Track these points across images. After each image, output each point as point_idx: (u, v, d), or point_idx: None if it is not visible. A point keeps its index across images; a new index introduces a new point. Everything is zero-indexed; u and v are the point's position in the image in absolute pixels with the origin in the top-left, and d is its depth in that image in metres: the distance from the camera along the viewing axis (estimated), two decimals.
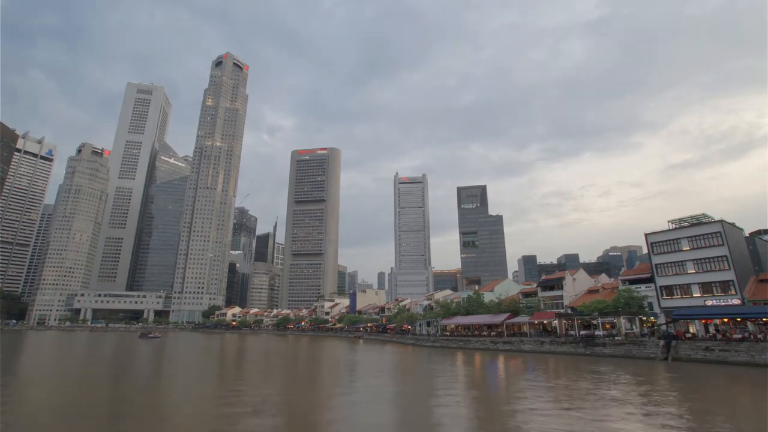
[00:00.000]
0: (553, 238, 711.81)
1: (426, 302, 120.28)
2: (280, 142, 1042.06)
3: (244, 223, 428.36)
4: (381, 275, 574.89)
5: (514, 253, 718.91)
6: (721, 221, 57.61)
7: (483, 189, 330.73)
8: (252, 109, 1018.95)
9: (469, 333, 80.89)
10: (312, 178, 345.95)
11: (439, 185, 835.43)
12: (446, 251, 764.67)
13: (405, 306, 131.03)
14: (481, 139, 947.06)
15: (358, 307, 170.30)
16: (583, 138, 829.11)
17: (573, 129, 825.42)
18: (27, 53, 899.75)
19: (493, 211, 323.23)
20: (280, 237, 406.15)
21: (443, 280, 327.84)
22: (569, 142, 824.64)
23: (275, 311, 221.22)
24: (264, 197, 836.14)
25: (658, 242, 62.60)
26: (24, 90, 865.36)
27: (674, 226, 62.68)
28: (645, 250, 69.26)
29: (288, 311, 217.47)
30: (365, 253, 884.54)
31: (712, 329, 52.06)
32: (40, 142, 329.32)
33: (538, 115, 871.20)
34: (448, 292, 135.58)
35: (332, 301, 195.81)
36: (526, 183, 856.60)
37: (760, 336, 45.25)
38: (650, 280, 62.80)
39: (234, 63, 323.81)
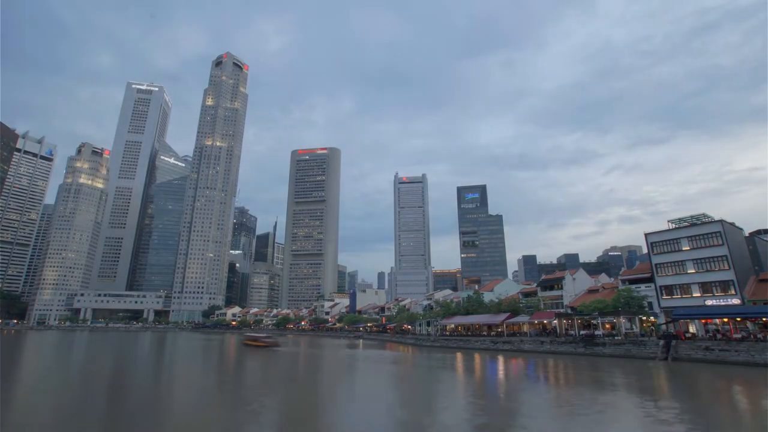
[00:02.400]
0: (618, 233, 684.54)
1: (426, 302, 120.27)
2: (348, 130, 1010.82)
3: (244, 223, 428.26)
4: (381, 275, 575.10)
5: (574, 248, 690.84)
6: (721, 221, 57.59)
7: (483, 188, 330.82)
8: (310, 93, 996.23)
9: (469, 333, 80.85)
10: (312, 178, 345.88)
11: (502, 176, 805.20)
12: (446, 251, 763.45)
13: (405, 306, 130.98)
14: (567, 128, 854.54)
15: (358, 306, 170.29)
16: (674, 127, 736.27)
17: (668, 117, 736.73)
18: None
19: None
20: (281, 237, 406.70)
21: (443, 280, 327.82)
22: (656, 129, 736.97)
23: (275, 311, 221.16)
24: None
25: (657, 242, 62.56)
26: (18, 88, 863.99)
27: (674, 225, 62.68)
28: (645, 250, 69.22)
29: (288, 311, 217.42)
30: (366, 251, 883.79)
31: (712, 329, 52.03)
32: (40, 141, 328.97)
33: (636, 104, 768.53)
34: (448, 291, 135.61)
35: (332, 300, 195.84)
36: (596, 173, 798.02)
37: (760, 336, 45.24)
38: (650, 279, 62.76)
39: (234, 63, 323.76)
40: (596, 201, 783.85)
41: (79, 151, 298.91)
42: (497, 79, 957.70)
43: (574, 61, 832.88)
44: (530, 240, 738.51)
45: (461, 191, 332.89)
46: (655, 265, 61.70)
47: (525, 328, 71.95)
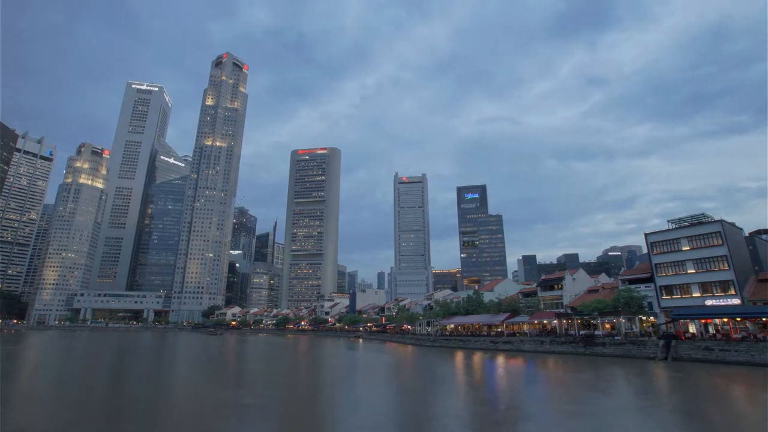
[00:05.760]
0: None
1: (426, 302, 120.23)
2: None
3: (244, 223, 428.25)
4: (381, 275, 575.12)
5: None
6: (721, 221, 57.54)
7: (483, 188, 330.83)
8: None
9: (469, 333, 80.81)
10: (312, 178, 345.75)
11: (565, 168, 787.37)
12: (446, 251, 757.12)
13: (405, 306, 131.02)
14: (641, 116, 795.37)
15: (358, 306, 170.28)
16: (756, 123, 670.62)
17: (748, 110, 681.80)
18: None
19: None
20: (280, 237, 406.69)
21: (443, 280, 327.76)
22: (738, 122, 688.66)
23: (275, 311, 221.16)
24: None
25: (657, 242, 62.49)
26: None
27: (674, 225, 62.62)
28: (645, 250, 69.15)
29: (288, 311, 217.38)
30: (365, 250, 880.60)
31: (711, 329, 51.98)
32: (39, 142, 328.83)
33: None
34: (447, 291, 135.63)
35: (332, 300, 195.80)
36: (660, 165, 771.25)
37: (760, 336, 45.21)
38: (650, 279, 62.68)
39: (234, 63, 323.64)
40: (652, 195, 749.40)
41: (79, 151, 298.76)
42: (574, 62, 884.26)
43: (671, 44, 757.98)
44: (571, 235, 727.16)
45: (461, 191, 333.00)
46: (655, 265, 61.63)
47: (525, 328, 71.88)
